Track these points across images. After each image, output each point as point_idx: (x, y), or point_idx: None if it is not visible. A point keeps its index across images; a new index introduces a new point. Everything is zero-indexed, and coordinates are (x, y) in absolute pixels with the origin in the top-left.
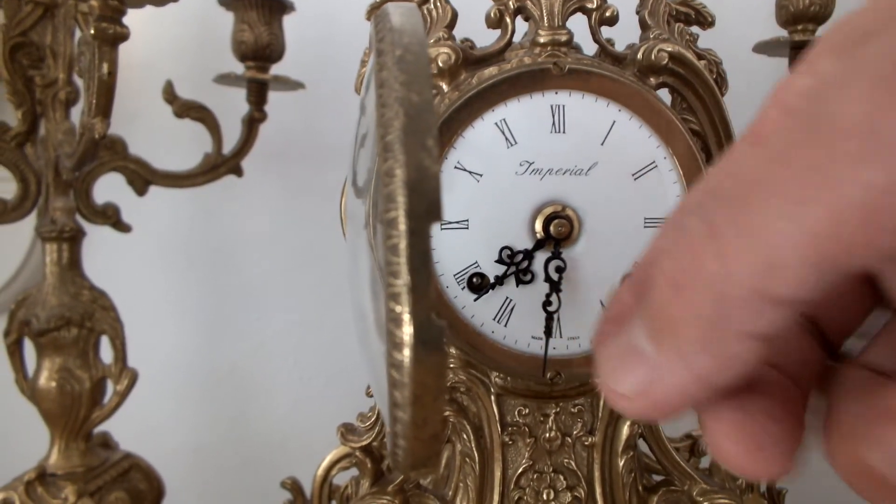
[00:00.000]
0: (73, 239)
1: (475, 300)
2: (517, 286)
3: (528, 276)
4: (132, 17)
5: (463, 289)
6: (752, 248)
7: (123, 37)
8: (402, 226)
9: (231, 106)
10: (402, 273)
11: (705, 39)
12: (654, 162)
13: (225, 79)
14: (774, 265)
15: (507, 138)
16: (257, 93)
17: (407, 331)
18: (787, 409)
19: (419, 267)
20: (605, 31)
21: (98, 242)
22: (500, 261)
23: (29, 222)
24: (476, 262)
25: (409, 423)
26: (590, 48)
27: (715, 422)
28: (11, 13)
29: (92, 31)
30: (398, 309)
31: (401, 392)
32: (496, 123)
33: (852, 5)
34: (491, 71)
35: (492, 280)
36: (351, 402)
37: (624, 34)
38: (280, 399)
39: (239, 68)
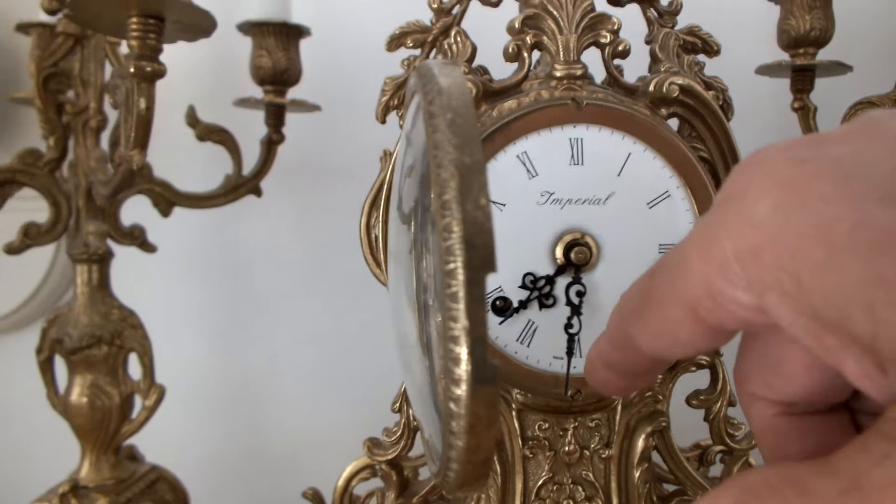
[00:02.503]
0: (103, 260)
1: (500, 323)
2: (540, 310)
3: (551, 301)
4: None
5: (487, 311)
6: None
7: (160, 74)
8: (461, 276)
9: (248, 127)
10: (460, 318)
11: (709, 62)
12: (667, 191)
13: (244, 102)
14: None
15: (528, 170)
16: (275, 116)
17: (465, 369)
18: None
19: (475, 312)
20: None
21: (120, 260)
22: (523, 286)
23: None
24: (500, 287)
25: (464, 449)
26: (599, 73)
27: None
28: (44, 44)
29: (131, 70)
30: (457, 350)
31: (457, 422)
32: (518, 156)
33: (851, 29)
34: (511, 105)
35: (515, 304)
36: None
37: (630, 62)
38: (294, 412)
39: (257, 92)
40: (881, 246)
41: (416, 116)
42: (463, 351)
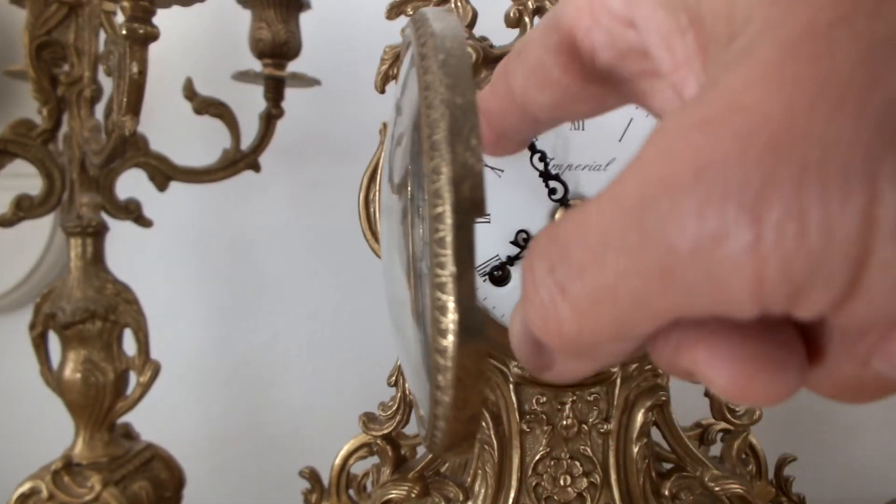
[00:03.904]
0: (98, 234)
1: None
2: None
3: None
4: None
5: (485, 281)
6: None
7: (154, 36)
8: (449, 220)
9: (248, 102)
10: (447, 264)
11: None
12: None
13: (243, 76)
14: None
15: None
16: (274, 90)
17: (452, 318)
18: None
19: (464, 259)
20: None
21: (118, 236)
22: (514, 242)
23: (47, 217)
24: (497, 255)
25: (451, 404)
26: None
27: (705, 351)
28: (37, 12)
29: (123, 32)
30: (444, 297)
31: (444, 375)
32: None
33: None
34: None
35: (503, 259)
36: (364, 392)
37: None
38: (294, 390)
39: (255, 65)
40: None
41: (408, 76)
42: (450, 299)
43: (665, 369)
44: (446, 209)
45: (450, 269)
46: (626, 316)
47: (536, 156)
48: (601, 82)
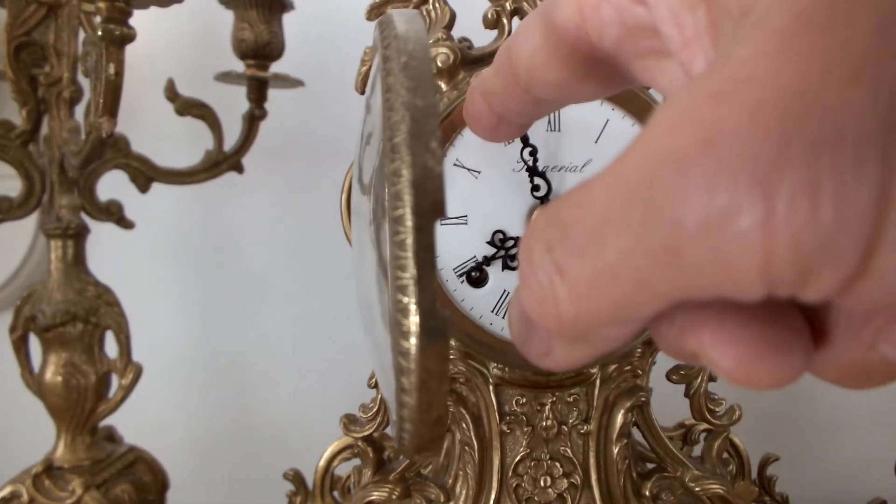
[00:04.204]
0: (78, 236)
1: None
2: (503, 270)
3: (515, 263)
4: (133, 15)
5: (462, 282)
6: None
7: (130, 38)
8: (409, 222)
9: (231, 103)
10: (408, 266)
11: None
12: None
13: (226, 77)
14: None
15: None
16: (257, 90)
17: (413, 320)
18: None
19: (424, 261)
20: None
21: (101, 239)
22: (491, 242)
23: (31, 219)
24: (474, 257)
25: (416, 407)
26: None
27: (711, 333)
28: (16, 13)
29: (99, 33)
30: (405, 300)
31: (407, 378)
32: None
33: None
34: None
35: (480, 259)
36: (350, 394)
37: None
38: (280, 392)
39: (239, 66)
40: None
41: (376, 76)
42: (411, 301)
43: (669, 352)
44: (406, 212)
45: (411, 271)
46: (628, 297)
47: (527, 150)
48: (607, 61)
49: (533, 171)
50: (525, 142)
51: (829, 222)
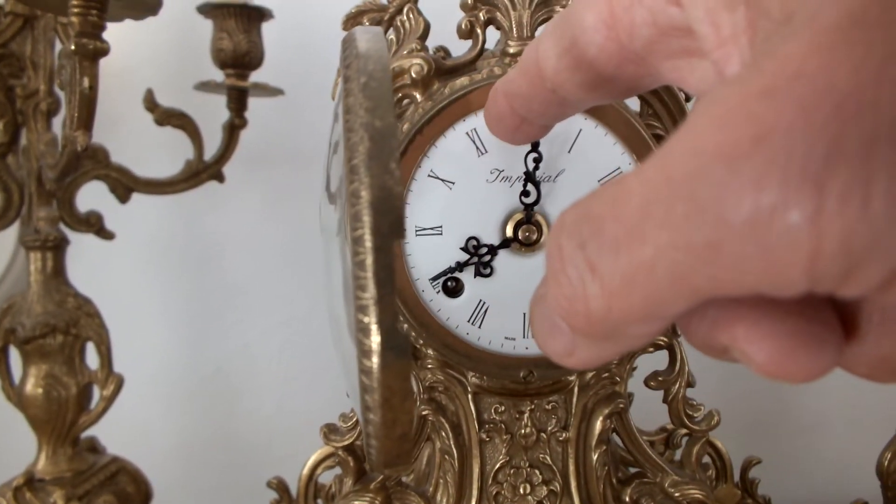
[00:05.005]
0: (58, 247)
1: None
2: (474, 277)
3: (488, 271)
4: (112, 26)
5: (438, 292)
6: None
7: (104, 52)
8: (368, 243)
9: (211, 112)
10: (368, 287)
11: None
12: (619, 168)
13: (205, 86)
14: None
15: (477, 147)
16: (237, 100)
17: (375, 339)
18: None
19: (384, 280)
20: None
21: (82, 250)
22: (464, 249)
23: (10, 232)
24: (450, 268)
25: (380, 424)
26: None
27: (745, 328)
28: None
29: (73, 47)
30: (366, 320)
31: (371, 396)
32: (467, 133)
33: None
34: (462, 81)
35: (452, 265)
36: (335, 402)
37: None
38: (265, 400)
39: (218, 75)
40: None
41: (342, 91)
42: (372, 321)
43: (697, 346)
44: (365, 232)
45: (371, 291)
46: (661, 294)
47: (532, 156)
48: (637, 61)
49: (530, 178)
50: (534, 147)
51: (880, 217)
